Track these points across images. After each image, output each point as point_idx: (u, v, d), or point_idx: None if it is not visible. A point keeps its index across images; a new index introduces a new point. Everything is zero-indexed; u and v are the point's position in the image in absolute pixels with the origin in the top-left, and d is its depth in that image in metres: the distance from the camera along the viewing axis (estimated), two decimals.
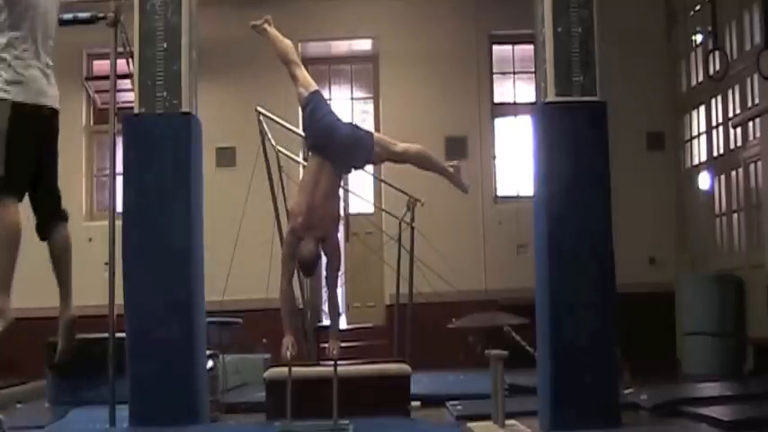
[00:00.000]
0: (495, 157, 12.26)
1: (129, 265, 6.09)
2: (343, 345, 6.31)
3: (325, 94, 6.27)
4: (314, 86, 6.00)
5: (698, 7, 11.23)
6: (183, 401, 6.03)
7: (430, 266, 9.47)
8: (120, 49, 6.55)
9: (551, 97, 6.12)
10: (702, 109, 11.23)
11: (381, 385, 6.69)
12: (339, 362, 5.97)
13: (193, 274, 6.22)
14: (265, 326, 8.75)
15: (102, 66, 11.86)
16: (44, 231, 4.26)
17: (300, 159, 9.73)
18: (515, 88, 12.52)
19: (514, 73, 12.53)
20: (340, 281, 6.38)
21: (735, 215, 10.54)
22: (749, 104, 9.88)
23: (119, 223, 6.33)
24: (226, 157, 11.63)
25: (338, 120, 5.95)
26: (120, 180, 6.48)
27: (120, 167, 6.51)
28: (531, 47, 9.65)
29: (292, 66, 6.02)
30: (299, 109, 6.15)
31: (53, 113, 4.19)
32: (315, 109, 5.88)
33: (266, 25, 6.12)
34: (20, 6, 4.08)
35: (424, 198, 8.88)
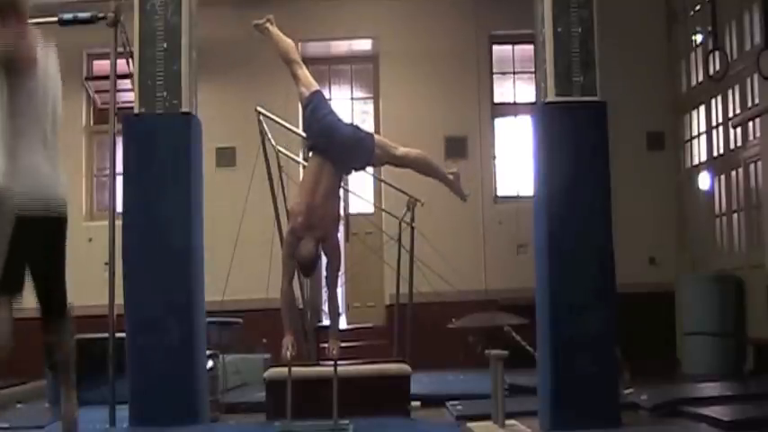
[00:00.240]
0: (495, 157, 12.26)
1: (129, 265, 6.09)
2: (343, 345, 6.31)
3: (326, 94, 6.27)
4: (315, 86, 6.00)
5: (698, 7, 11.23)
6: (183, 401, 6.03)
7: (430, 266, 9.47)
8: (120, 49, 6.56)
9: (551, 97, 6.12)
10: (702, 109, 11.23)
11: (381, 385, 6.69)
12: (339, 362, 5.97)
13: (193, 274, 6.22)
14: (265, 326, 8.76)
15: (102, 66, 11.86)
16: (46, 327, 4.20)
17: (300, 159, 9.73)
18: (515, 88, 12.52)
19: (514, 73, 12.52)
20: (340, 281, 6.39)
21: (735, 215, 10.54)
22: (749, 104, 9.88)
23: (119, 223, 6.34)
24: (226, 157, 11.63)
25: (339, 120, 5.95)
26: (120, 180, 6.48)
27: (120, 167, 6.52)
28: (531, 47, 9.65)
29: (294, 65, 6.03)
30: (300, 109, 6.16)
31: (60, 218, 4.13)
32: (316, 109, 5.88)
33: (268, 24, 6.12)
34: (33, 99, 4.02)
35: (424, 198, 8.88)
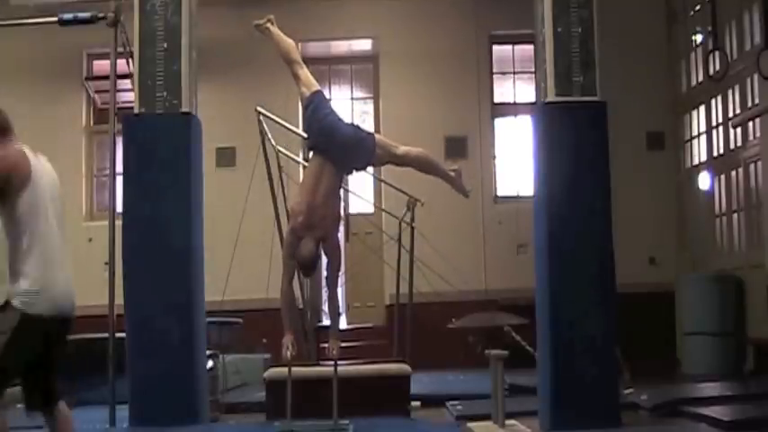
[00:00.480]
0: (495, 157, 12.26)
1: (129, 265, 6.10)
2: (343, 345, 6.32)
3: (326, 94, 6.26)
4: (316, 86, 6.00)
5: (698, 7, 11.23)
6: (183, 401, 6.03)
7: (430, 266, 9.47)
8: (120, 49, 6.56)
9: (551, 97, 6.13)
10: (702, 109, 11.23)
11: (381, 385, 6.69)
12: (339, 362, 5.97)
13: (193, 274, 6.23)
14: (265, 326, 8.76)
15: (102, 66, 11.85)
16: (32, 408, 4.19)
17: (300, 159, 9.73)
18: (515, 88, 12.51)
19: (514, 73, 12.52)
20: (340, 281, 6.38)
21: (735, 215, 10.53)
22: (749, 104, 9.88)
23: (119, 223, 6.34)
24: (226, 157, 11.63)
25: (340, 120, 5.95)
26: (120, 180, 6.48)
27: (120, 167, 6.52)
28: (531, 47, 9.65)
29: (295, 65, 6.02)
30: (300, 109, 6.16)
31: (66, 321, 4.11)
32: (316, 109, 5.88)
33: (269, 25, 6.12)
34: (32, 211, 3.99)
35: (424, 198, 8.88)
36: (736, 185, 10.46)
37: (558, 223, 6.04)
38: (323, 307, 9.36)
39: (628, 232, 9.24)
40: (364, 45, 12.67)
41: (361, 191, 11.14)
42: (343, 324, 11.12)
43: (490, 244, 11.75)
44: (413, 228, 9.11)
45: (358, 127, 6.05)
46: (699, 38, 11.34)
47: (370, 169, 8.11)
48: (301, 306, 8.22)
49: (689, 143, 11.71)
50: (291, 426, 5.84)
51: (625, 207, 9.70)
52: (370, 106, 12.63)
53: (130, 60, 6.51)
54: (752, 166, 10.02)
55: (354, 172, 6.20)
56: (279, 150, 8.36)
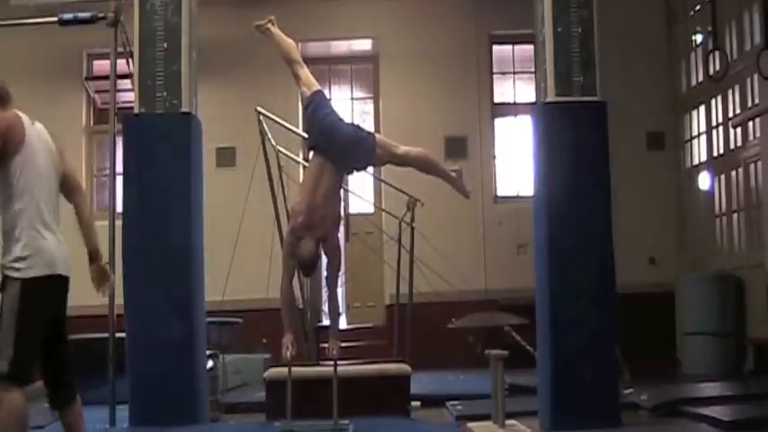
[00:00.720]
0: (495, 157, 12.26)
1: (129, 265, 6.10)
2: (343, 345, 6.32)
3: (326, 94, 6.27)
4: (316, 86, 6.00)
5: (698, 7, 11.23)
6: (183, 401, 6.03)
7: (430, 266, 9.47)
8: (120, 49, 6.56)
9: (551, 97, 6.13)
10: (702, 109, 11.23)
11: (381, 385, 6.69)
12: (339, 362, 5.97)
13: (193, 274, 6.23)
14: (265, 326, 8.76)
15: (102, 66, 11.85)
16: (57, 406, 4.22)
17: (300, 159, 9.73)
18: (515, 88, 12.51)
19: (514, 73, 12.52)
20: (340, 281, 6.38)
21: (735, 215, 10.53)
22: (749, 104, 9.88)
23: (119, 223, 6.34)
24: (226, 157, 11.62)
25: (340, 120, 5.94)
26: (120, 180, 6.48)
27: (120, 167, 6.52)
28: (531, 47, 9.64)
29: (295, 65, 6.02)
30: (300, 109, 6.16)
31: (63, 279, 4.18)
32: (317, 109, 5.88)
33: (270, 25, 6.12)
34: (23, 175, 4.07)
35: (424, 198, 8.88)
36: (736, 185, 10.46)
37: (558, 223, 6.03)
38: (323, 307, 9.36)
39: (628, 232, 9.24)
40: (364, 45, 12.67)
41: (361, 191, 11.15)
42: (343, 324, 11.12)
43: (490, 244, 11.75)
44: (413, 228, 9.11)
45: (358, 127, 6.05)
46: (699, 38, 11.33)
47: (370, 169, 8.11)
48: (301, 306, 8.22)
49: (689, 143, 11.71)
50: (291, 426, 5.84)
51: (625, 207, 9.69)
52: (370, 106, 12.63)
53: (130, 60, 6.51)
54: (752, 166, 10.02)
55: (355, 172, 6.20)
56: (279, 150, 8.36)
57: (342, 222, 6.63)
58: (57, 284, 4.13)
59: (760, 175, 9.75)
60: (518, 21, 9.64)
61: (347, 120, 6.24)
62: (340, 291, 8.23)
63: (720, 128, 10.72)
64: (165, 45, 6.28)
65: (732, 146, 10.45)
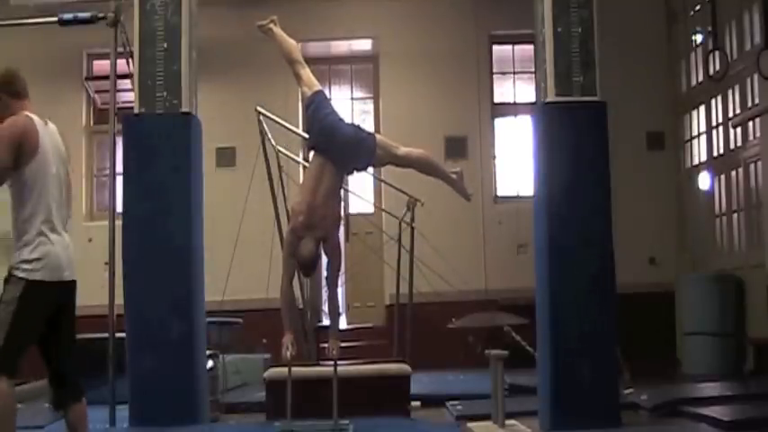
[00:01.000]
0: (495, 157, 12.26)
1: (129, 265, 6.10)
2: (343, 345, 6.32)
3: (326, 95, 6.27)
4: (317, 86, 6.00)
5: (698, 7, 11.23)
6: (183, 401, 6.03)
7: (430, 266, 9.47)
8: (120, 49, 6.56)
9: (551, 97, 6.13)
10: (702, 109, 11.23)
11: (381, 385, 6.69)
12: (339, 362, 5.97)
13: (193, 274, 6.22)
14: (265, 326, 8.76)
15: (102, 66, 11.85)
16: (60, 405, 4.33)
17: (300, 159, 9.73)
18: (515, 88, 12.52)
19: (514, 73, 12.52)
20: (340, 281, 6.38)
21: (735, 215, 10.54)
22: (749, 104, 9.88)
23: (119, 223, 6.34)
24: (226, 157, 11.63)
25: (341, 120, 5.94)
26: (120, 180, 6.48)
27: (120, 167, 6.52)
28: (531, 47, 9.63)
29: (296, 65, 6.02)
30: (300, 109, 6.16)
31: (69, 284, 4.26)
32: (317, 109, 5.88)
33: (272, 25, 6.11)
34: (36, 180, 4.15)
35: (424, 198, 8.88)
36: (736, 185, 10.46)
37: (558, 223, 6.03)
38: (323, 307, 9.36)
39: (628, 232, 9.25)
40: (364, 45, 12.67)
41: (361, 191, 11.15)
42: (343, 324, 11.12)
43: (490, 244, 11.75)
44: (413, 228, 9.11)
45: (359, 127, 6.04)
46: (699, 38, 11.34)
47: (371, 169, 8.11)
48: (301, 306, 8.22)
49: (689, 143, 11.71)
50: (291, 426, 5.84)
51: (625, 207, 9.70)
52: (370, 106, 12.63)
53: (130, 60, 6.51)
54: (752, 166, 10.02)
55: (355, 172, 6.20)
56: (279, 150, 8.36)
57: (342, 222, 6.63)
58: (60, 290, 4.21)
59: (760, 175, 9.75)
60: (518, 21, 9.65)
61: (347, 120, 6.24)
62: (340, 291, 8.23)
63: (720, 128, 10.72)
64: (165, 45, 6.28)
65: (732, 146, 10.45)
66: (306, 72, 6.01)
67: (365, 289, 11.99)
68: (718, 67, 9.72)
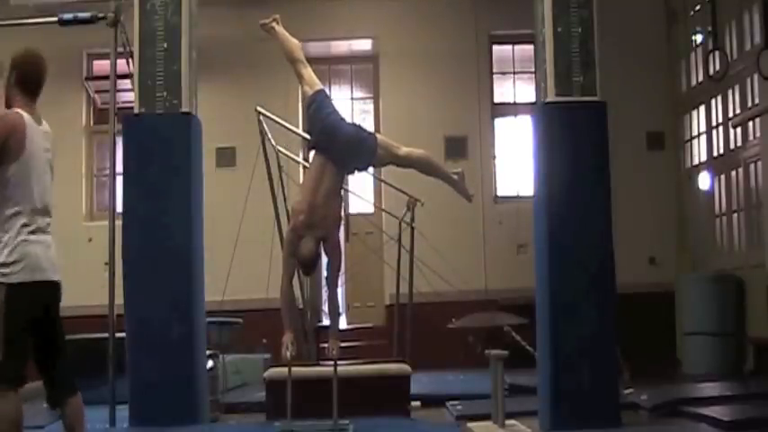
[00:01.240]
0: (495, 157, 12.26)
1: (129, 265, 6.10)
2: (343, 345, 6.32)
3: (328, 94, 6.27)
4: (319, 86, 6.00)
5: (698, 7, 11.23)
6: (183, 401, 6.03)
7: (430, 266, 9.47)
8: (120, 49, 6.56)
9: (551, 97, 6.13)
10: (702, 109, 11.23)
11: (381, 385, 6.69)
12: (339, 362, 5.97)
13: (193, 274, 6.23)
14: (265, 326, 8.76)
15: (102, 66, 11.85)
16: (56, 403, 4.26)
17: (300, 159, 9.73)
18: (515, 88, 12.51)
19: (514, 73, 12.52)
20: (340, 281, 6.38)
21: (735, 215, 10.53)
22: (749, 104, 9.88)
23: (119, 223, 6.34)
24: (226, 157, 11.62)
25: (342, 119, 5.95)
26: (120, 180, 6.48)
27: (120, 167, 6.52)
28: (531, 47, 9.63)
29: (298, 65, 6.02)
30: (300, 109, 6.16)
31: (52, 284, 4.19)
32: (319, 108, 5.88)
33: (274, 24, 6.11)
34: (20, 179, 4.07)
35: (424, 198, 8.88)
36: (736, 185, 10.46)
37: (558, 223, 6.04)
38: (323, 307, 9.36)
39: (628, 232, 9.25)
40: (364, 45, 12.67)
41: (361, 191, 11.15)
42: (343, 324, 11.12)
43: (490, 244, 11.75)
44: (413, 228, 9.11)
45: (360, 127, 6.05)
46: (699, 38, 11.33)
47: (371, 169, 8.11)
48: (301, 306, 8.22)
49: (689, 143, 11.71)
50: (291, 426, 5.84)
51: (625, 207, 9.70)
52: (370, 106, 12.63)
53: (130, 60, 6.51)
54: (752, 166, 10.02)
55: (356, 172, 6.20)
56: (279, 150, 8.36)
57: (342, 222, 6.63)
58: (43, 289, 4.13)
59: (760, 175, 9.75)
60: (518, 21, 9.64)
61: (348, 120, 6.24)
62: (340, 291, 8.23)
63: (720, 128, 10.72)
64: (165, 45, 6.28)
65: (732, 146, 10.45)
66: (308, 71, 6.01)
67: (365, 289, 11.98)
68: (718, 67, 9.72)
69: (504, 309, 10.22)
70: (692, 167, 11.63)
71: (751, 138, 9.99)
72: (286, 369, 5.98)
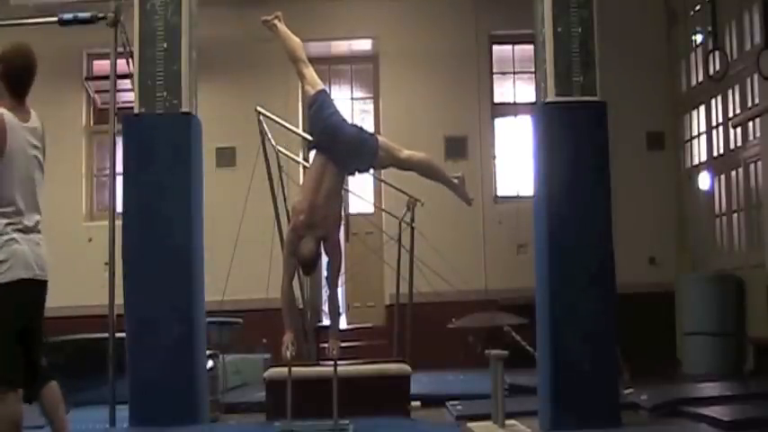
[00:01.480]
0: (495, 157, 12.26)
1: (129, 265, 6.09)
2: (343, 345, 6.32)
3: (330, 94, 6.26)
4: (321, 85, 5.99)
5: (698, 7, 11.23)
6: (183, 401, 6.03)
7: (430, 266, 9.47)
8: (120, 49, 6.56)
9: (551, 97, 6.12)
10: (702, 109, 11.23)
11: (381, 385, 6.69)
12: (339, 362, 5.97)
13: (193, 274, 6.22)
14: (265, 326, 8.76)
15: (102, 66, 11.85)
16: (33, 397, 4.21)
17: (300, 159, 9.73)
18: (515, 88, 12.52)
19: (514, 73, 12.52)
20: (340, 281, 6.38)
21: (735, 215, 10.54)
22: (749, 104, 9.88)
23: (119, 223, 6.34)
24: (226, 157, 11.62)
25: (344, 120, 5.94)
26: (120, 180, 6.48)
27: (120, 167, 6.51)
28: (531, 47, 9.63)
29: (300, 64, 6.01)
30: (300, 109, 6.16)
31: (39, 283, 4.16)
32: (321, 108, 5.87)
33: (276, 21, 6.10)
34: (4, 179, 4.04)
35: (424, 198, 8.88)
36: (736, 185, 10.46)
37: (558, 223, 6.03)
38: (323, 307, 9.36)
39: (628, 232, 9.25)
40: (364, 45, 12.67)
41: (361, 191, 11.15)
42: (343, 324, 11.12)
43: (490, 244, 11.75)
44: (413, 228, 9.11)
45: (362, 128, 6.03)
46: (699, 38, 11.34)
47: (371, 170, 8.12)
48: (301, 306, 8.22)
49: (689, 143, 11.71)
50: (291, 426, 5.84)
51: (625, 207, 9.69)
52: (370, 106, 12.63)
53: (130, 60, 6.51)
54: (752, 166, 10.02)
55: (357, 173, 6.20)
56: (279, 150, 8.36)
57: (342, 222, 6.64)
58: (32, 288, 4.11)
59: (760, 175, 9.76)
60: (518, 21, 9.64)
61: (349, 120, 6.23)
62: (340, 291, 8.23)
63: (720, 128, 10.72)
64: (165, 45, 6.28)
65: (732, 146, 10.45)
66: (309, 71, 6.00)
67: (365, 289, 11.99)
68: (718, 67, 9.72)
69: (504, 309, 10.22)
70: (692, 167, 11.64)
71: (751, 138, 9.99)
72: (286, 369, 5.98)
